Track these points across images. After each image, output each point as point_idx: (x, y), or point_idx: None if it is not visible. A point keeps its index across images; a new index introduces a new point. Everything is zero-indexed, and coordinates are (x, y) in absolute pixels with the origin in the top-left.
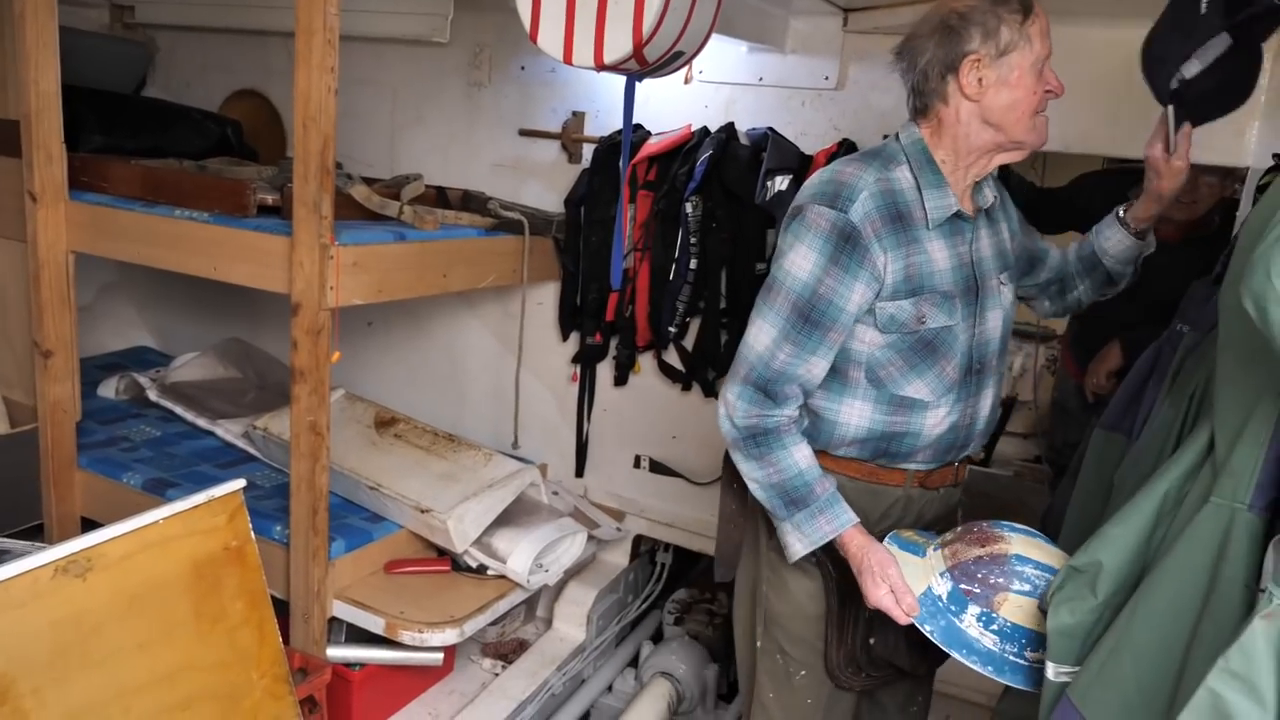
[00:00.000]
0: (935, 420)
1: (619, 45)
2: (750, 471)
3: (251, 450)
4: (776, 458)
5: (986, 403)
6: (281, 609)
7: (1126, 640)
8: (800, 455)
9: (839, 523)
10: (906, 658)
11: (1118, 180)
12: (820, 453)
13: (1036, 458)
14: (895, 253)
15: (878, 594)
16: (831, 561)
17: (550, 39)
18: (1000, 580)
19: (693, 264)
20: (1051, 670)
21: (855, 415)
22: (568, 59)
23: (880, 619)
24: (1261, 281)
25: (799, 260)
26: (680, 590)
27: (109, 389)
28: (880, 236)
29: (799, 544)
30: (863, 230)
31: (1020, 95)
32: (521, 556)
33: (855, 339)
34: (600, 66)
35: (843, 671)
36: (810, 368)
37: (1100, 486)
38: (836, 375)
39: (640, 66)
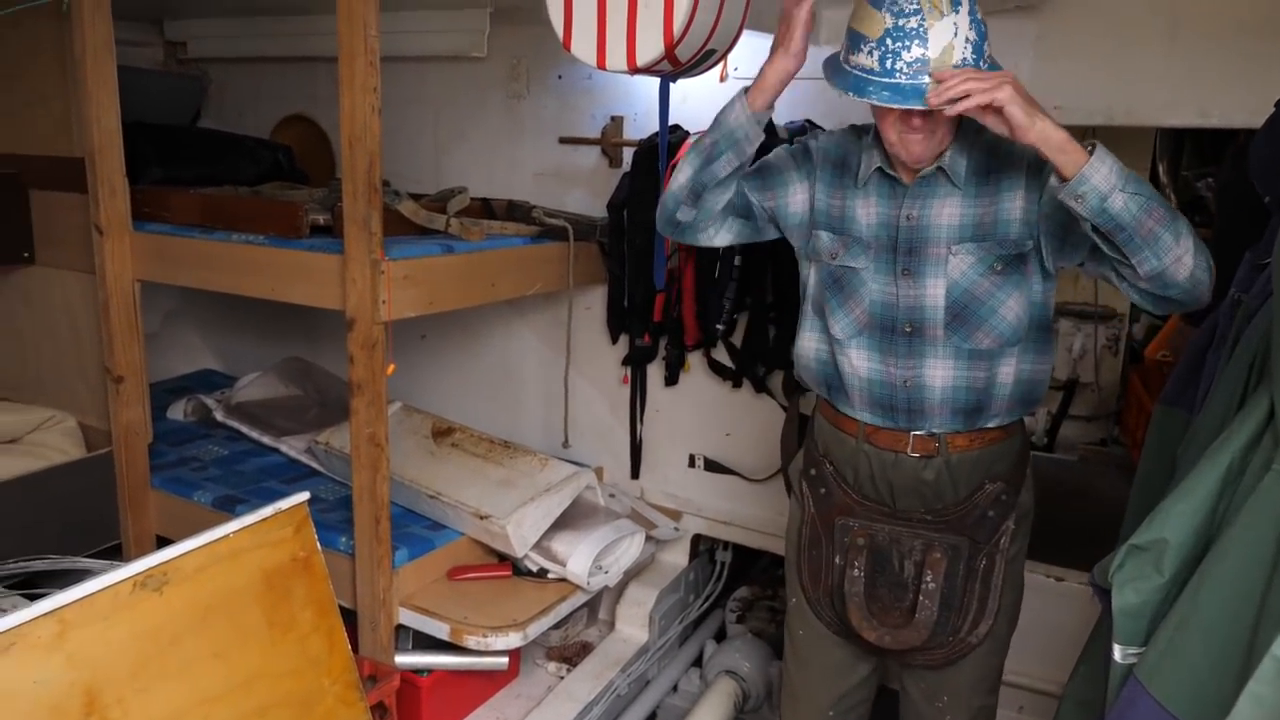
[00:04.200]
0: (854, 362)
1: (651, 47)
2: (682, 169)
3: (315, 465)
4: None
5: (935, 373)
6: (349, 618)
7: (1193, 616)
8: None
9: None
10: (859, 615)
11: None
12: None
13: (1102, 440)
14: (826, 187)
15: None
16: (813, 499)
17: (583, 46)
18: None
19: (737, 260)
20: (1119, 652)
21: (807, 345)
22: (601, 64)
23: (849, 572)
24: None
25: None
26: (741, 588)
27: (178, 411)
28: (822, 167)
29: (739, 110)
30: (814, 155)
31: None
32: (581, 559)
33: (804, 271)
34: (633, 70)
35: (819, 603)
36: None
37: (1162, 464)
38: (800, 314)
39: (673, 67)
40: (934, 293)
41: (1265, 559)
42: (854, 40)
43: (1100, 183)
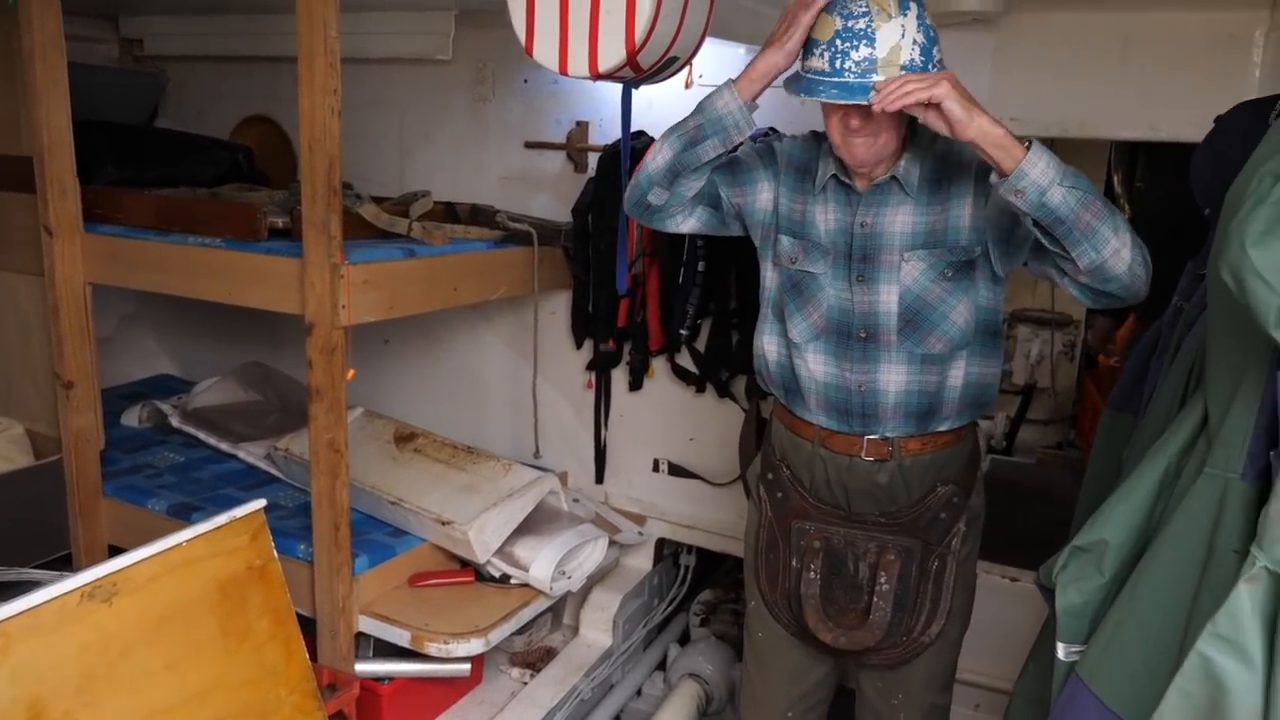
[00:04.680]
0: (811, 366)
1: (612, 53)
2: (661, 150)
3: (274, 471)
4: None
5: (889, 377)
6: (309, 626)
7: (1130, 614)
8: None
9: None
10: (816, 616)
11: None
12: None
13: (1059, 443)
14: (789, 191)
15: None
16: (770, 503)
17: (545, 51)
18: None
19: (701, 266)
20: (1062, 650)
21: (766, 347)
22: (563, 70)
23: (806, 574)
24: (1237, 253)
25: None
26: (705, 591)
27: (132, 417)
28: (786, 171)
29: (728, 98)
30: (779, 157)
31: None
32: (543, 564)
33: (764, 274)
34: (595, 76)
35: (777, 605)
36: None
37: (1110, 466)
38: (760, 317)
39: (635, 74)
40: (887, 298)
41: (1197, 559)
42: (809, 47)
43: (1039, 176)
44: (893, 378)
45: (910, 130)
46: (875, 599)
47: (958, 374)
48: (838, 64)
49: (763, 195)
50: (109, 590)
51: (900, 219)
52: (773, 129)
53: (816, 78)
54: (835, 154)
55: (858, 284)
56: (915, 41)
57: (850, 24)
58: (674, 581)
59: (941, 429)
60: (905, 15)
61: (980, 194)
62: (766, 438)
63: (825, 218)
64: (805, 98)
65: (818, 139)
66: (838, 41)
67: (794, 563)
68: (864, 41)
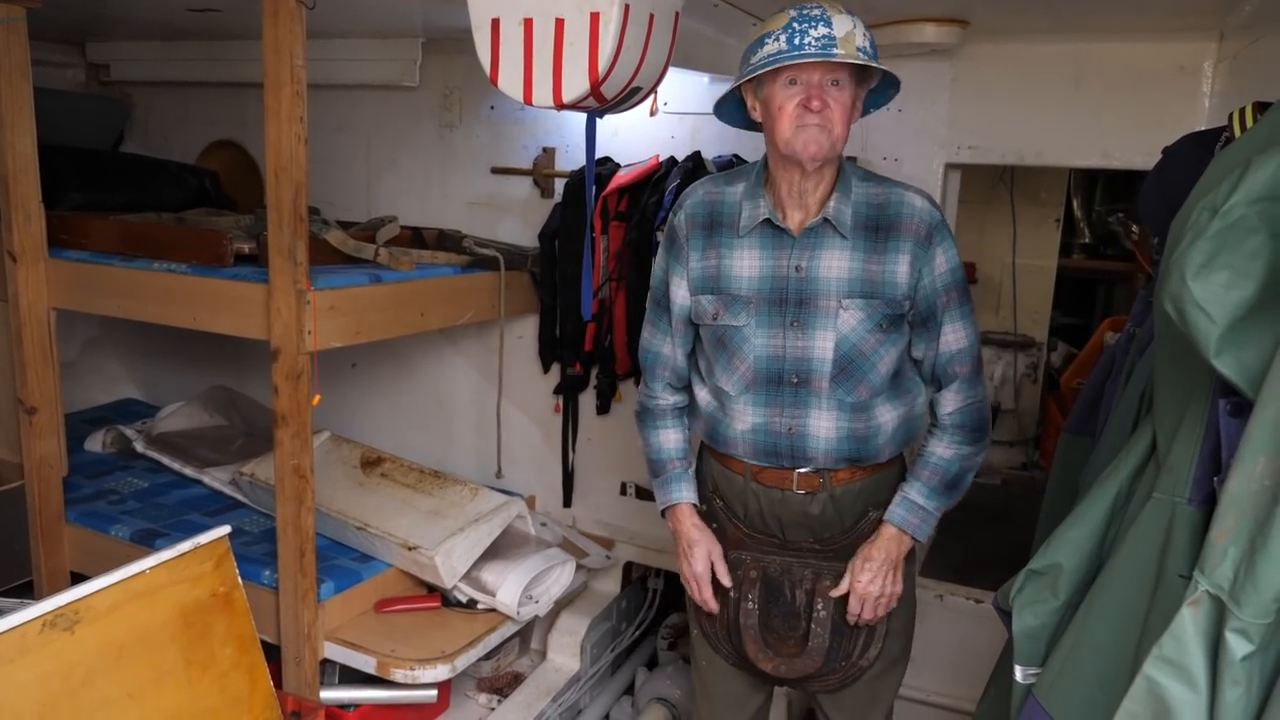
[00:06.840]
0: (739, 413)
1: (576, 84)
2: (640, 440)
3: (239, 497)
4: (648, 435)
5: (819, 423)
6: (274, 653)
7: (1084, 637)
8: (664, 438)
9: (670, 498)
10: (755, 646)
11: None
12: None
13: (1023, 464)
14: (699, 253)
15: (684, 570)
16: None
17: (510, 81)
18: None
19: None
20: (1020, 673)
21: (701, 399)
22: (528, 99)
23: (744, 605)
24: (1177, 284)
25: (656, 259)
26: (673, 615)
27: (96, 443)
28: (691, 237)
29: (658, 504)
30: (680, 230)
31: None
32: (510, 589)
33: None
34: (559, 106)
35: (716, 636)
36: (664, 346)
37: (1068, 489)
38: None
39: (599, 104)
40: (822, 345)
41: (1147, 583)
42: (757, 44)
43: (928, 531)
44: (823, 423)
45: (837, 170)
46: (813, 626)
47: (888, 417)
48: (797, 41)
49: (682, 291)
50: (70, 619)
51: (836, 263)
52: (737, 156)
53: (774, 58)
54: (783, 151)
55: (792, 329)
56: (865, 34)
57: (806, 11)
58: (642, 605)
59: (872, 463)
60: (853, 16)
61: (919, 258)
62: (698, 469)
63: (749, 264)
64: (765, 70)
65: (728, 179)
66: (795, 24)
67: (732, 593)
68: (821, 23)
